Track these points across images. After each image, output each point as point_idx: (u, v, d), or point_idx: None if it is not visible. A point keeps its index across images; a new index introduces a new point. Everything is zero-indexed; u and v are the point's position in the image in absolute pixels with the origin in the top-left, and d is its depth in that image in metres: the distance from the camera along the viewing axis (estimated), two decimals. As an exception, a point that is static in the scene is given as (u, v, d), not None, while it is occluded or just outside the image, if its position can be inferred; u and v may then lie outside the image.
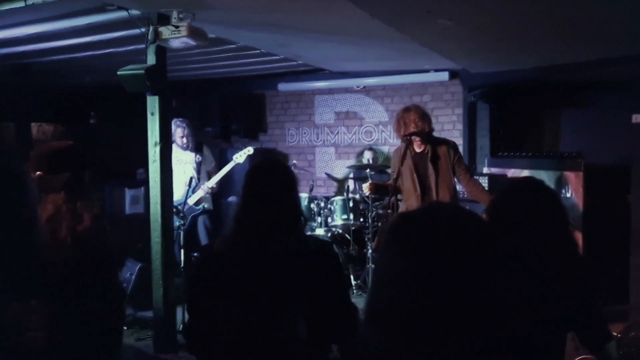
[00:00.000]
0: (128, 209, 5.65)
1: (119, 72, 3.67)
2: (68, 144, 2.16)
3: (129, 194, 5.69)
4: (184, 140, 5.35)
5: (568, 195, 4.52)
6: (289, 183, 1.89)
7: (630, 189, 4.37)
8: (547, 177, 4.89)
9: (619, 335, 3.99)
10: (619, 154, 4.66)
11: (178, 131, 5.31)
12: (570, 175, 4.56)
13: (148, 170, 3.96)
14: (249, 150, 5.43)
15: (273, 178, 1.88)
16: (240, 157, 5.36)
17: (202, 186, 5.17)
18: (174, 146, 5.19)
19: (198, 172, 5.28)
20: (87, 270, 1.97)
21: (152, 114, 3.85)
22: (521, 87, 5.57)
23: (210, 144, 6.11)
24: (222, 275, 1.81)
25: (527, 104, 5.78)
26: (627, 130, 4.25)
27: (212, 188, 5.28)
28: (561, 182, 4.65)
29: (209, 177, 5.38)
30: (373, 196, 4.10)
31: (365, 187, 4.01)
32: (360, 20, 3.65)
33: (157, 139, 3.84)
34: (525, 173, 4.94)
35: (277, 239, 1.79)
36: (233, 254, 1.81)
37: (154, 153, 3.87)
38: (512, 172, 5.15)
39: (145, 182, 4.58)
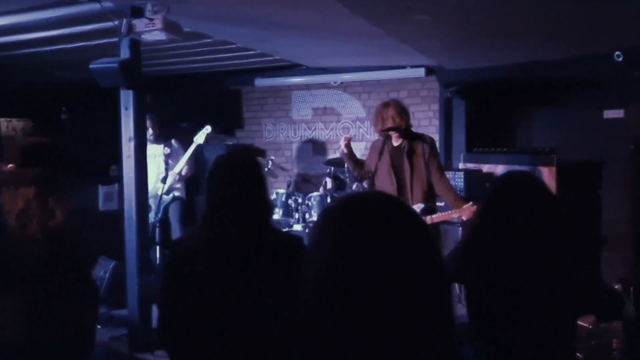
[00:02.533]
0: (101, 206, 5.55)
1: (91, 66, 3.59)
2: (43, 140, 2.13)
3: (102, 190, 5.59)
4: (150, 131, 5.23)
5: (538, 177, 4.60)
6: (253, 175, 1.86)
7: (602, 184, 4.48)
8: (521, 172, 4.96)
9: (590, 327, 4.09)
10: (590, 150, 4.76)
11: (147, 126, 5.25)
12: (543, 171, 4.64)
13: (121, 166, 3.89)
14: (207, 129, 5.42)
15: (236, 171, 1.85)
16: (200, 137, 5.35)
17: (169, 172, 5.15)
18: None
19: (166, 163, 5.20)
20: (59, 267, 1.93)
21: (126, 108, 3.78)
22: (496, 84, 5.64)
23: (186, 140, 6.03)
24: (192, 271, 1.80)
25: (502, 100, 5.86)
26: (598, 126, 4.35)
27: (179, 174, 5.28)
28: (535, 178, 4.73)
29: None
30: (345, 152, 4.03)
31: (342, 141, 4.00)
32: (339, 15, 3.63)
33: (132, 134, 3.78)
34: (500, 168, 5.02)
35: (244, 233, 1.78)
36: (203, 250, 1.79)
37: (128, 148, 3.80)
38: (487, 168, 5.22)
39: (119, 179, 4.50)
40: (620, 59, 3.91)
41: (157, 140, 5.35)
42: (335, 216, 0.89)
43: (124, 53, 3.68)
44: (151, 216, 4.89)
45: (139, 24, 3.48)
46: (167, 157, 5.18)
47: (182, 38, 3.81)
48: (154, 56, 5.17)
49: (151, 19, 3.44)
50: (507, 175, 2.06)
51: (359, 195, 0.97)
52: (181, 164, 5.31)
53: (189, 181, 5.65)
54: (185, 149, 5.60)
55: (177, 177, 5.28)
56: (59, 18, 3.76)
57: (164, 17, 3.44)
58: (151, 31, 3.47)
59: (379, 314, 0.80)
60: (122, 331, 4.09)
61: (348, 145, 3.99)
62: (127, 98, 3.77)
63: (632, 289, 3.34)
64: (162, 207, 5.06)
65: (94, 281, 2.56)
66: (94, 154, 5.80)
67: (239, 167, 1.85)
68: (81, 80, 4.75)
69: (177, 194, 5.38)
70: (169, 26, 3.49)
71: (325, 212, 0.93)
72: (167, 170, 5.12)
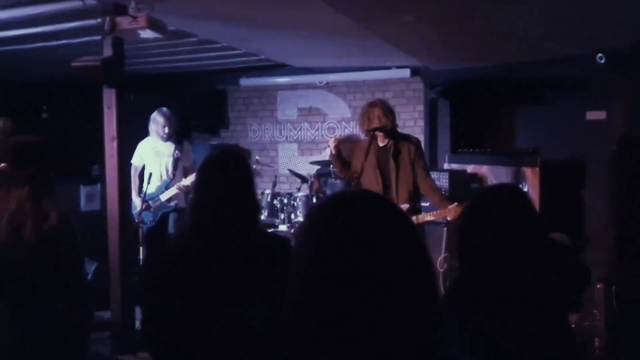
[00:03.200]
0: (83, 206, 5.47)
1: (73, 64, 3.53)
2: (36, 139, 2.07)
3: (84, 190, 5.51)
4: (166, 130, 4.93)
5: (525, 190, 4.65)
6: (242, 175, 1.84)
7: (584, 185, 4.54)
8: (505, 172, 5.02)
9: (573, 326, 4.14)
10: (573, 150, 4.82)
11: (160, 120, 4.93)
12: (527, 171, 4.69)
13: (103, 166, 3.83)
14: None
15: (225, 171, 1.83)
16: None
17: (177, 184, 4.82)
18: (153, 136, 4.94)
19: (175, 167, 4.92)
20: (53, 270, 1.89)
21: (109, 107, 3.73)
22: (480, 85, 5.69)
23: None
24: (178, 272, 1.78)
25: (486, 101, 5.91)
26: (581, 127, 4.41)
27: (187, 187, 4.81)
28: (518, 178, 4.78)
29: (186, 174, 4.95)
30: (334, 153, 3.98)
31: (332, 142, 3.97)
32: (325, 15, 3.63)
33: (114, 134, 3.73)
34: (484, 169, 5.05)
35: (231, 234, 1.76)
36: (189, 250, 1.77)
37: (111, 148, 3.75)
38: (471, 168, 5.26)
39: (101, 179, 4.44)
40: (603, 61, 3.97)
41: (170, 138, 4.98)
42: (322, 215, 0.89)
43: (107, 51, 3.63)
44: (147, 216, 4.75)
45: (123, 21, 3.44)
46: (176, 159, 4.91)
47: (167, 36, 3.77)
48: (138, 54, 5.11)
49: (135, 17, 3.40)
50: (486, 190, 2.11)
51: (345, 193, 0.96)
52: (192, 178, 4.68)
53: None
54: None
55: (185, 189, 4.78)
56: (41, 15, 3.70)
57: (148, 14, 3.40)
58: (135, 29, 3.43)
59: (366, 312, 0.79)
60: (104, 333, 4.03)
61: (337, 147, 3.97)
62: (109, 97, 3.72)
63: (613, 287, 3.38)
64: (160, 212, 4.82)
65: (87, 283, 2.52)
66: (76, 154, 5.71)
67: (228, 166, 1.84)
68: (63, 78, 4.67)
69: (179, 203, 4.96)
70: (153, 24, 3.45)
71: (312, 211, 0.92)
72: (174, 174, 4.86)
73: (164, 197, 4.81)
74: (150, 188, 4.67)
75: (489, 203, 1.89)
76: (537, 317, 1.78)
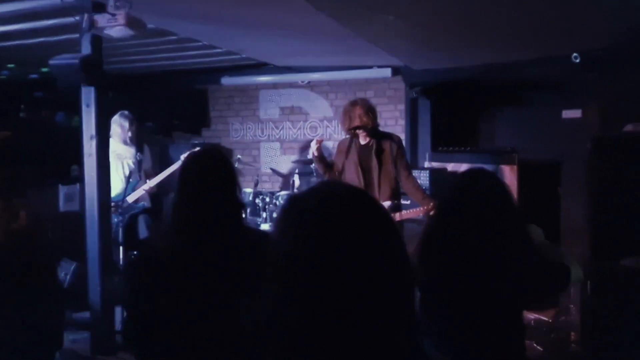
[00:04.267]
0: (62, 207, 5.39)
1: (50, 62, 3.49)
2: (7, 135, 2.02)
3: (62, 190, 5.43)
4: (129, 134, 5.04)
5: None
6: (226, 173, 1.84)
7: (561, 182, 4.62)
8: (484, 171, 5.06)
9: (549, 321, 4.22)
10: (550, 149, 4.91)
11: (124, 124, 5.01)
12: (505, 169, 4.76)
13: (82, 165, 3.79)
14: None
15: (209, 170, 1.82)
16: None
17: (143, 186, 4.96)
18: (115, 139, 4.94)
19: (139, 170, 5.04)
20: (25, 271, 1.86)
21: (88, 106, 3.70)
22: (460, 85, 5.75)
23: (151, 140, 5.92)
24: (162, 271, 1.77)
25: (466, 100, 5.98)
26: (557, 125, 4.49)
27: (151, 188, 5.01)
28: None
29: (145, 177, 5.14)
30: (316, 154, 3.99)
31: (314, 143, 3.96)
32: (306, 14, 3.64)
33: (93, 132, 3.69)
34: (464, 167, 5.11)
35: (216, 232, 1.76)
36: (173, 249, 1.76)
37: (89, 147, 3.71)
38: (451, 166, 5.31)
39: (80, 179, 4.38)
40: (578, 61, 4.04)
41: (131, 142, 5.09)
42: (298, 207, 0.88)
43: (85, 49, 3.60)
44: (113, 218, 4.74)
45: (101, 19, 3.40)
46: (139, 163, 4.99)
47: (146, 34, 3.74)
48: (117, 53, 5.07)
49: (113, 15, 3.37)
50: (465, 172, 2.13)
51: (322, 186, 0.96)
52: (158, 179, 4.92)
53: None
54: (151, 151, 5.47)
55: (150, 190, 4.94)
56: (18, 13, 3.65)
57: (127, 12, 3.37)
58: (114, 27, 3.40)
59: (344, 304, 0.79)
60: (84, 334, 3.99)
61: (319, 149, 3.98)
62: (88, 95, 3.69)
63: (589, 282, 3.46)
64: (128, 214, 4.85)
65: (60, 284, 2.49)
66: (54, 153, 5.63)
67: (211, 164, 1.83)
68: (41, 76, 4.63)
69: (146, 204, 5.12)
70: (133, 22, 3.42)
71: (288, 204, 0.91)
72: (140, 176, 4.93)
73: (131, 198, 4.87)
74: (115, 190, 4.68)
75: (467, 186, 1.94)
76: (492, 309, 1.83)
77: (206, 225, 1.75)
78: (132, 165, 5.05)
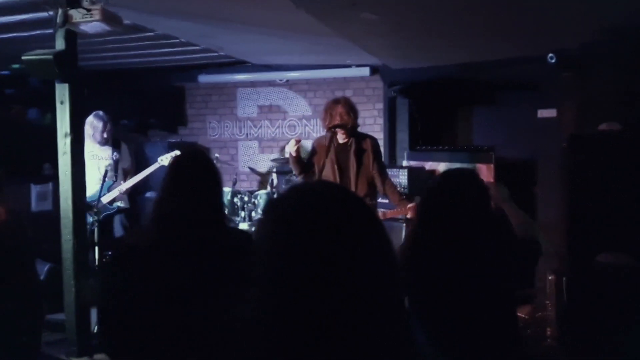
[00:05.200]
0: (34, 206, 5.26)
1: (23, 57, 3.40)
2: None
3: (35, 190, 5.30)
4: (105, 135, 4.93)
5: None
6: (211, 175, 1.85)
7: (536, 181, 4.70)
8: (462, 169, 5.13)
9: (526, 317, 4.29)
10: (526, 147, 4.99)
11: (98, 125, 4.90)
12: (482, 168, 4.82)
13: (55, 164, 3.70)
14: (177, 152, 5.07)
15: (195, 171, 1.83)
16: (166, 159, 4.99)
17: (117, 187, 4.87)
18: (89, 140, 4.84)
19: (115, 169, 4.93)
20: (2, 267, 1.82)
21: (62, 102, 3.60)
22: (437, 84, 5.80)
23: (126, 138, 5.82)
24: (140, 271, 1.74)
25: (443, 99, 6.03)
26: (533, 124, 4.57)
27: (127, 189, 4.92)
28: (475, 174, 4.90)
29: (125, 175, 5.04)
30: (294, 155, 3.86)
31: (292, 143, 3.83)
32: (285, 11, 3.62)
33: (68, 130, 3.60)
34: (442, 166, 5.16)
35: (197, 230, 1.75)
36: (152, 249, 1.74)
37: (64, 145, 3.62)
38: (429, 165, 5.36)
39: (52, 177, 4.28)
40: (553, 61, 4.11)
41: (107, 142, 4.98)
42: (282, 206, 0.88)
43: (59, 44, 3.51)
44: (88, 218, 4.66)
45: (76, 14, 3.33)
46: (116, 162, 4.89)
47: (122, 30, 3.67)
48: (93, 49, 4.97)
49: (89, 10, 3.29)
50: (445, 172, 2.22)
51: (305, 185, 0.96)
52: (134, 180, 4.87)
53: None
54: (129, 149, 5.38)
55: (125, 191, 4.88)
56: (-13, 6, 3.55)
57: (103, 7, 3.31)
58: (89, 22, 3.33)
59: (333, 301, 0.79)
60: (58, 336, 3.91)
61: (298, 149, 3.88)
62: (62, 92, 3.59)
63: (564, 279, 3.52)
64: (103, 214, 4.76)
65: (39, 281, 2.43)
66: (26, 151, 5.49)
67: (198, 166, 1.85)
68: (12, 72, 4.51)
69: (122, 204, 5.00)
70: (108, 17, 3.35)
71: (272, 203, 0.91)
72: (116, 176, 4.84)
73: (105, 199, 4.79)
74: (90, 191, 4.60)
75: (448, 183, 2.01)
76: (483, 300, 1.88)
77: (187, 224, 1.74)
78: (108, 166, 4.94)
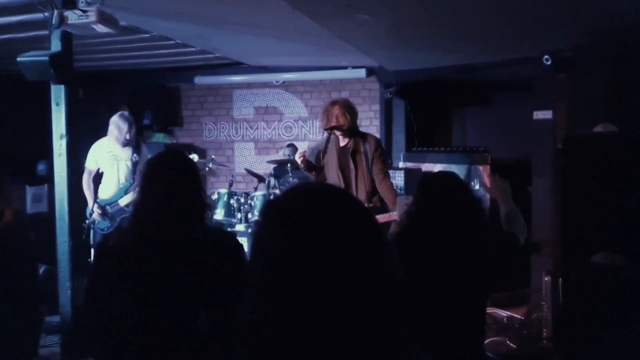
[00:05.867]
0: (30, 208, 5.24)
1: (18, 59, 3.38)
2: None
3: (30, 191, 5.29)
4: (127, 136, 4.75)
5: (477, 187, 4.79)
6: (188, 173, 1.84)
7: (532, 182, 4.71)
8: (457, 170, 5.12)
9: (522, 318, 4.30)
10: (521, 148, 5.01)
11: (124, 126, 4.73)
12: (478, 169, 4.83)
13: (51, 165, 3.68)
14: (195, 157, 5.00)
15: (172, 169, 1.83)
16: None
17: (136, 189, 4.79)
18: (110, 140, 4.73)
19: (134, 172, 4.79)
20: (4, 269, 1.81)
21: (57, 104, 3.59)
22: (433, 85, 5.81)
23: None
24: (120, 271, 1.74)
25: (439, 101, 6.05)
26: (528, 125, 4.58)
27: None
28: (470, 175, 4.91)
29: None
30: (303, 167, 3.96)
31: (299, 154, 3.91)
32: (281, 13, 3.62)
33: (63, 131, 3.59)
34: (438, 167, 5.17)
35: (177, 231, 1.75)
36: (132, 249, 1.74)
37: (59, 146, 3.61)
38: (425, 166, 5.37)
39: (48, 179, 4.26)
40: (549, 62, 4.13)
41: (128, 144, 4.84)
42: (278, 207, 0.87)
43: (55, 46, 3.49)
44: (104, 224, 4.62)
45: (72, 15, 3.31)
46: (135, 164, 4.77)
47: (118, 32, 3.66)
48: (88, 50, 4.95)
49: (85, 11, 3.28)
50: (430, 176, 2.36)
51: (302, 186, 0.95)
52: None
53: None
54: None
55: None
56: (-17, 7, 3.53)
57: (99, 9, 3.30)
58: (85, 24, 3.32)
59: (329, 302, 0.78)
60: (53, 338, 3.89)
61: (304, 161, 3.93)
62: (58, 93, 3.58)
63: (560, 280, 3.53)
64: (119, 217, 4.65)
65: (38, 285, 2.41)
66: (21, 153, 5.47)
67: (171, 164, 1.85)
68: (8, 73, 4.49)
69: None
70: (104, 19, 3.34)
71: (268, 205, 0.91)
72: (134, 179, 4.73)
73: (122, 202, 4.69)
74: (108, 193, 4.57)
75: (434, 186, 2.10)
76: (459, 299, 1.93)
77: (166, 224, 1.74)
78: (128, 167, 4.84)
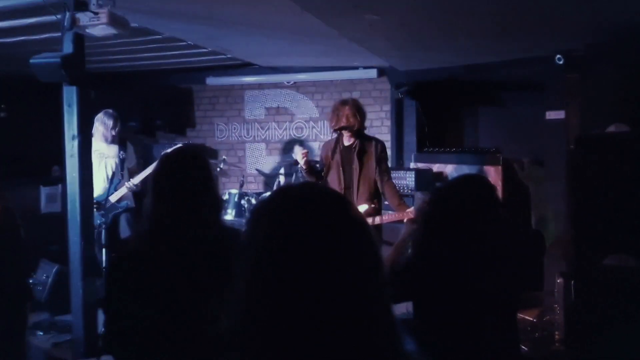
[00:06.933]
0: (44, 208, 5.31)
1: (31, 61, 3.42)
2: None
3: (44, 191, 5.35)
4: (113, 132, 4.95)
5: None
6: (205, 171, 1.82)
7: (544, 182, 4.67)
8: (469, 171, 5.11)
9: (534, 320, 4.25)
10: (533, 149, 4.96)
11: (109, 123, 4.93)
12: (489, 169, 4.78)
13: (64, 166, 3.73)
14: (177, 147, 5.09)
15: (184, 168, 1.80)
16: None
17: (126, 183, 4.89)
18: (98, 138, 4.87)
19: (121, 168, 4.97)
20: None
21: (70, 105, 3.63)
22: (444, 85, 5.78)
23: (133, 140, 5.85)
24: (141, 274, 1.74)
25: (450, 101, 6.01)
26: (541, 126, 4.54)
27: (136, 186, 4.91)
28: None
29: (130, 175, 5.05)
30: (304, 168, 3.87)
31: (300, 156, 3.83)
32: (291, 13, 3.63)
33: (75, 132, 3.63)
34: (449, 168, 5.14)
35: (194, 232, 1.74)
36: (151, 251, 1.74)
37: (71, 147, 3.65)
38: (437, 167, 5.34)
39: (61, 179, 4.30)
40: (561, 62, 4.09)
41: (114, 141, 5.01)
42: (266, 208, 0.88)
43: (67, 47, 3.53)
44: (96, 219, 4.68)
45: (83, 17, 3.35)
46: (122, 161, 4.92)
47: (129, 33, 3.70)
48: (100, 52, 5.01)
49: (96, 13, 3.32)
50: (456, 178, 2.19)
51: (290, 187, 0.96)
52: (141, 176, 4.82)
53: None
54: (136, 151, 5.41)
55: (134, 188, 4.84)
56: (-3, 10, 3.59)
57: (110, 11, 3.33)
58: (96, 25, 3.35)
59: (317, 304, 0.78)
60: (65, 337, 3.93)
61: (307, 162, 3.88)
62: (70, 94, 3.62)
63: (572, 282, 3.49)
64: (111, 214, 4.76)
65: (27, 283, 2.43)
66: (35, 154, 5.54)
67: (185, 163, 1.81)
68: (21, 75, 4.55)
69: (128, 202, 5.02)
70: (115, 21, 3.37)
71: (257, 205, 0.92)
72: (122, 175, 4.87)
73: (113, 197, 4.79)
74: (97, 191, 4.61)
75: (457, 192, 1.97)
76: (486, 312, 1.85)
77: (182, 225, 1.73)
78: (115, 164, 4.97)
